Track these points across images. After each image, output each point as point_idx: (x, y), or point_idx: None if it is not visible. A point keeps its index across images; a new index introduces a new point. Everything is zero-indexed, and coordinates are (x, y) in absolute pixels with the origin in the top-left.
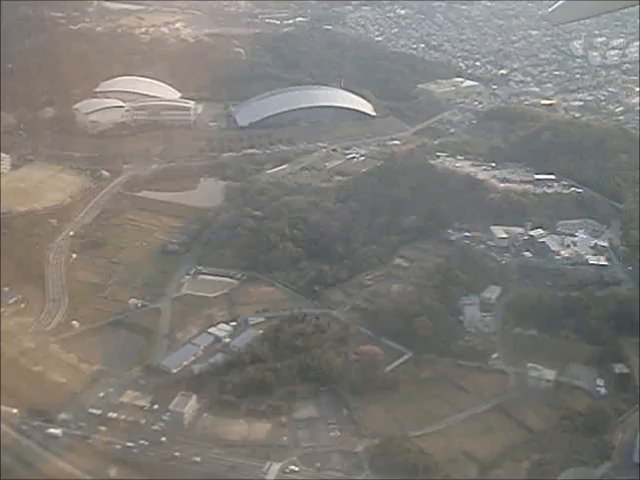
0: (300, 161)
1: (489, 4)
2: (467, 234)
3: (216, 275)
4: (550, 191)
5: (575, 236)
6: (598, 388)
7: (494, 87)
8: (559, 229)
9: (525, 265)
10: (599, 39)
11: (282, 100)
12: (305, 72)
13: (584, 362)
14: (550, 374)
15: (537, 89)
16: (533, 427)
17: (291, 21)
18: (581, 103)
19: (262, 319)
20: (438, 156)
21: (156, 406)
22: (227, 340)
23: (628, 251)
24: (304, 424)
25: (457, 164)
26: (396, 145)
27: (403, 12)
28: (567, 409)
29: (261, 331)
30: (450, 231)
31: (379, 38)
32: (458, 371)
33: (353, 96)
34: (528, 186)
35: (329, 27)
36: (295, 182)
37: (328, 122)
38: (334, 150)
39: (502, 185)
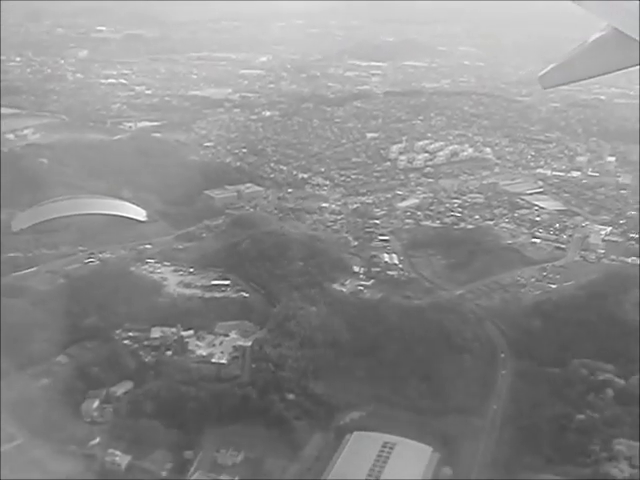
0: (49, 265)
1: (359, 105)
2: (130, 334)
3: None
4: (219, 295)
5: (227, 336)
6: (163, 471)
7: (289, 191)
8: (216, 330)
9: (164, 362)
10: (421, 142)
11: (57, 208)
12: (104, 180)
13: (168, 448)
14: (125, 459)
15: (325, 193)
16: None
17: (132, 125)
18: (357, 205)
19: None
20: (147, 262)
21: None
22: None
23: (259, 350)
24: None
25: (158, 270)
26: (146, 249)
27: (269, 114)
28: None
29: None
30: (118, 331)
31: (209, 143)
32: (56, 456)
33: (127, 204)
34: (198, 291)
35: (157, 134)
36: (23, 284)
37: (97, 229)
38: (92, 254)
39: (179, 290)
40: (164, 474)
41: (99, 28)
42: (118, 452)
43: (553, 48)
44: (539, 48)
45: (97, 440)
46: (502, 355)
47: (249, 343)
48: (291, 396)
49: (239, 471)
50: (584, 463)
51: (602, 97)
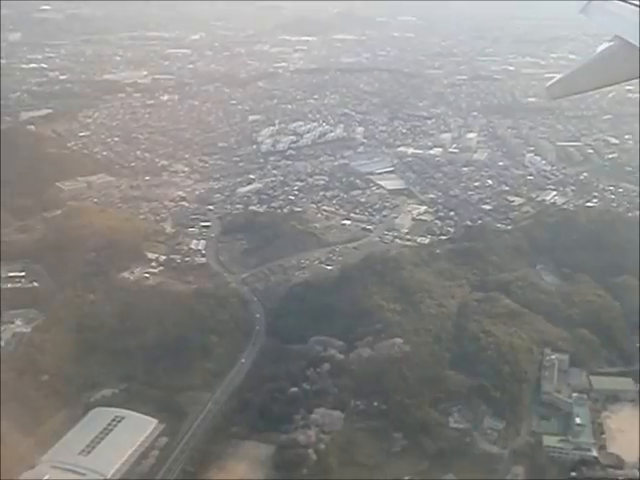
0: None
1: (261, 85)
2: None
3: None
4: (12, 286)
5: (13, 323)
6: None
7: (146, 179)
8: (3, 318)
9: None
10: (294, 124)
11: None
12: None
13: None
14: None
15: (179, 180)
16: None
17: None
18: (202, 191)
19: None
20: None
21: None
22: None
23: (33, 336)
24: None
25: None
26: None
27: (166, 98)
28: None
29: None
30: None
31: (85, 133)
32: None
33: None
34: None
35: (32, 127)
36: None
37: None
38: None
39: None
40: None
41: (43, 7)
42: None
43: (495, 19)
44: (480, 20)
45: None
46: (254, 336)
47: (29, 330)
48: (45, 377)
49: None
50: (284, 430)
51: (511, 68)
